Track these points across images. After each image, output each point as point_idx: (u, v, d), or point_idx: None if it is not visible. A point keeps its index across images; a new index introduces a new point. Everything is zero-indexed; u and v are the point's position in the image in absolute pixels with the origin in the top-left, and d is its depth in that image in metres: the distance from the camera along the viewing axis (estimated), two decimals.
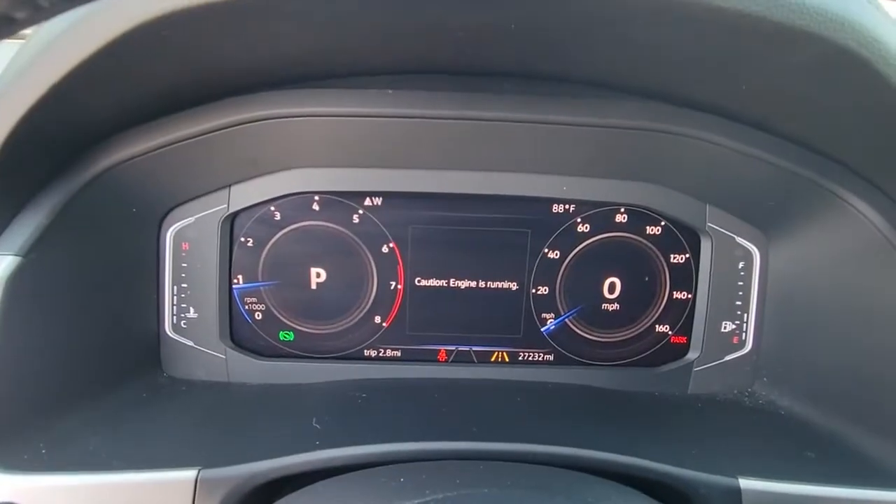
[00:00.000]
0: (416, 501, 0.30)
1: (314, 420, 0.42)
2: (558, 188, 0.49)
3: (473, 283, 0.51)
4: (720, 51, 0.34)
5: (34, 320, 0.38)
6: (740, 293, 0.51)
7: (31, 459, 0.36)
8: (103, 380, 0.44)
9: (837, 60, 0.31)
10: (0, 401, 0.36)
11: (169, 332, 0.49)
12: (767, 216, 0.49)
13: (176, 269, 0.48)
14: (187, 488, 0.37)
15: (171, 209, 0.47)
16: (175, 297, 0.49)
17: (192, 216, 0.48)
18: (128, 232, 0.46)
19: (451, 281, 0.51)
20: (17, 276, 0.37)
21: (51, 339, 0.40)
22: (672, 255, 0.52)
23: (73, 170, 0.40)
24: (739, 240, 0.51)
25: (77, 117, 0.38)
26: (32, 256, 0.38)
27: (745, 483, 0.38)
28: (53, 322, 0.40)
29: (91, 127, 0.40)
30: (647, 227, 0.51)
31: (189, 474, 0.36)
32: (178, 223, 0.48)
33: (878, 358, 0.43)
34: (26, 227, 0.38)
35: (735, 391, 0.53)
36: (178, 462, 0.37)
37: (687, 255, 0.52)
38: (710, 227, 0.51)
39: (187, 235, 0.48)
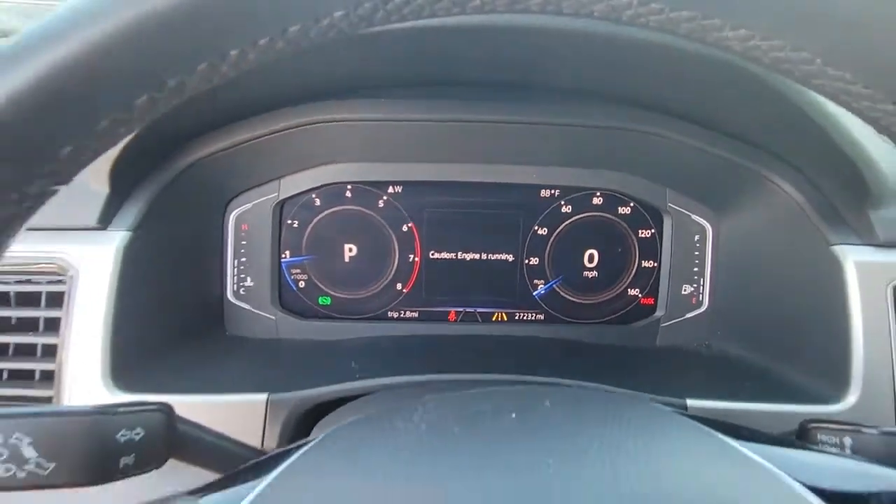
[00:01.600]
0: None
1: (352, 363, 0.53)
2: (542, 177, 0.60)
3: (477, 256, 0.62)
4: (682, 76, 0.45)
5: (139, 282, 0.50)
6: (696, 261, 0.62)
7: (145, 385, 0.47)
8: (183, 333, 0.55)
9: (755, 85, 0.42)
10: (120, 342, 0.48)
11: (231, 298, 0.60)
12: (716, 196, 0.59)
13: (237, 246, 0.60)
14: (260, 408, 0.48)
15: (234, 197, 0.58)
16: (235, 269, 0.60)
17: (250, 202, 0.59)
18: (201, 215, 0.57)
19: (459, 254, 0.62)
20: (129, 246, 0.48)
21: (149, 298, 0.51)
22: (640, 231, 0.62)
23: (165, 166, 0.51)
24: (695, 217, 0.61)
25: (171, 124, 0.49)
26: (138, 232, 0.49)
27: (692, 402, 0.48)
28: (150, 284, 0.51)
29: (180, 132, 0.51)
30: (619, 208, 0.62)
31: (261, 397, 0.48)
32: (239, 208, 0.59)
33: (800, 310, 0.54)
34: (134, 209, 0.49)
35: (695, 343, 0.63)
36: (252, 389, 0.48)
37: (652, 231, 0.62)
38: (670, 206, 0.61)
39: (246, 218, 0.59)
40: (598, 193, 0.61)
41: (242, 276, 0.60)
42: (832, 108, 0.44)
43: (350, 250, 0.61)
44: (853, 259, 0.48)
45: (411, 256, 0.61)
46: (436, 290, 0.62)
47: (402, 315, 0.62)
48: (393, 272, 0.61)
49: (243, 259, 0.60)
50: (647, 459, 0.25)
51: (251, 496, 0.25)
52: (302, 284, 0.61)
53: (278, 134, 0.54)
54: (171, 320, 0.53)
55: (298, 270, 0.61)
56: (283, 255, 0.61)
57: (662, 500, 0.22)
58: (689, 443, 0.28)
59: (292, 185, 0.59)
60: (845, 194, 0.49)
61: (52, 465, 0.32)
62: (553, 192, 0.60)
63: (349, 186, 0.60)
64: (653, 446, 0.27)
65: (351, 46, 0.45)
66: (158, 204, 0.50)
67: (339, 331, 0.61)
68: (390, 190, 0.60)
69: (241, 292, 0.60)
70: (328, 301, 0.62)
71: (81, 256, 0.46)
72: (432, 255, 0.61)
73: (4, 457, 0.32)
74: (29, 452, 0.32)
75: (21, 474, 0.32)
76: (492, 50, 0.46)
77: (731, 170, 0.55)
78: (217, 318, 0.60)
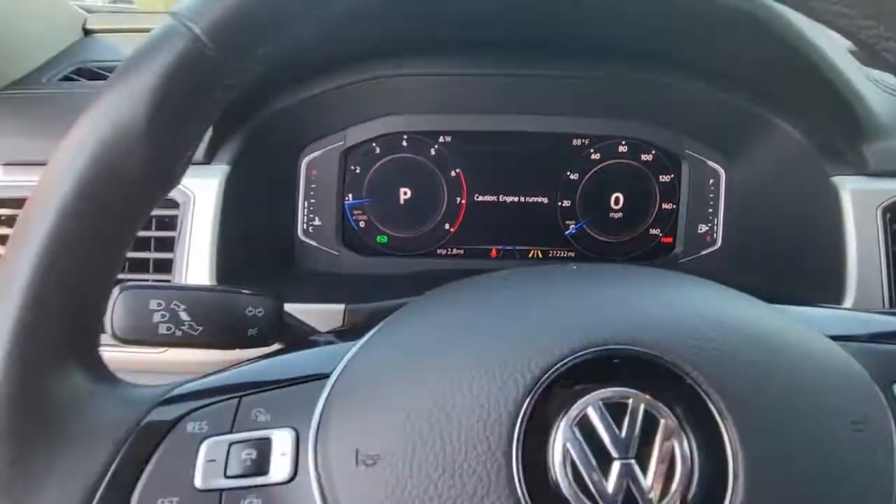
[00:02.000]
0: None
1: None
2: (573, 126, 0.68)
3: (516, 199, 0.70)
4: (690, 27, 0.53)
5: (234, 211, 0.58)
6: (711, 203, 0.70)
7: None
8: (264, 263, 0.64)
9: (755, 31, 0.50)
10: (221, 261, 0.56)
11: (300, 236, 0.69)
12: (728, 143, 0.67)
13: (307, 188, 0.68)
14: (338, 316, 0.56)
15: (307, 144, 0.67)
16: (305, 210, 0.69)
17: (320, 150, 0.67)
18: (279, 160, 0.66)
19: (500, 197, 0.70)
20: (228, 179, 0.57)
21: (241, 226, 0.59)
22: (660, 176, 0.70)
23: (253, 115, 0.60)
24: (710, 163, 0.69)
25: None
26: (234, 168, 0.57)
27: None
28: (242, 214, 0.60)
29: (266, 84, 0.59)
30: (642, 155, 0.69)
31: (339, 307, 0.56)
32: (311, 154, 0.68)
33: (802, 236, 0.61)
34: (231, 148, 0.57)
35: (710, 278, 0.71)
36: (330, 301, 0.57)
37: (671, 176, 0.70)
38: (687, 153, 0.69)
39: (316, 164, 0.68)
40: (624, 142, 0.69)
41: (311, 216, 0.69)
42: (827, 51, 0.52)
43: (405, 194, 0.69)
44: (849, 187, 0.56)
45: (458, 199, 0.70)
46: (480, 230, 0.70)
47: (449, 252, 0.71)
48: (442, 213, 0.70)
49: (312, 201, 0.68)
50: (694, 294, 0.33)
51: (371, 333, 0.34)
52: (362, 224, 0.70)
53: (345, 88, 0.63)
54: (255, 249, 0.62)
55: (359, 212, 0.70)
56: (347, 198, 0.69)
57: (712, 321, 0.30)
58: (730, 293, 0.35)
59: (356, 134, 0.67)
60: (841, 132, 0.56)
61: (200, 329, 0.41)
62: (583, 140, 0.68)
63: (405, 136, 0.68)
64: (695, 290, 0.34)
65: (415, 6, 0.54)
66: (248, 146, 0.59)
67: (394, 265, 0.70)
68: (441, 139, 0.68)
69: (310, 230, 0.69)
70: (385, 239, 0.70)
71: (191, 185, 0.55)
72: (477, 198, 0.70)
73: (166, 318, 0.40)
74: (184, 317, 0.40)
75: (178, 333, 0.40)
76: (530, 11, 0.54)
77: (741, 116, 0.62)
78: (289, 253, 0.69)
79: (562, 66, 0.61)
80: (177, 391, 0.31)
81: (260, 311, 0.44)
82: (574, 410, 0.27)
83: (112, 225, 0.29)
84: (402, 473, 0.27)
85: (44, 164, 0.55)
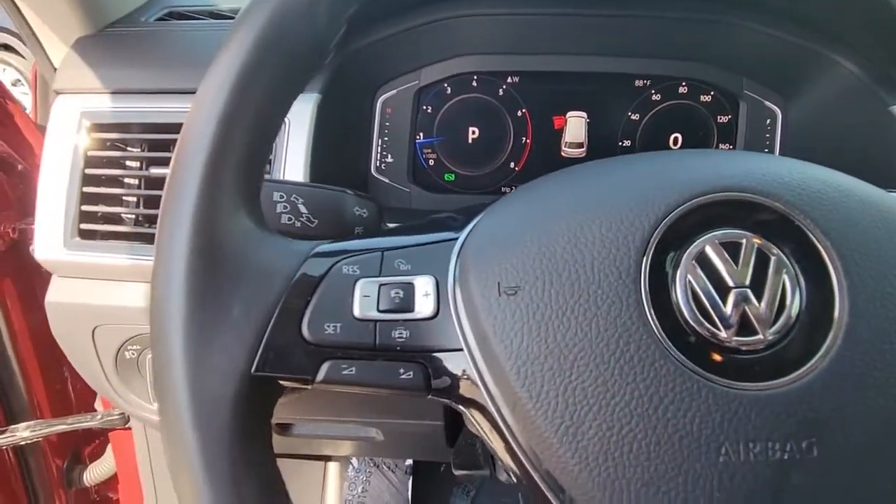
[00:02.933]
0: None
1: None
2: (635, 67, 0.71)
3: None
4: None
5: (322, 135, 0.62)
6: (768, 142, 0.72)
7: None
8: None
9: None
10: (311, 179, 0.61)
11: (374, 173, 0.73)
12: (786, 81, 0.70)
13: (381, 126, 0.72)
14: None
15: (383, 84, 0.71)
16: (379, 147, 0.73)
17: (395, 89, 0.71)
18: (357, 97, 0.70)
19: (564, 136, 0.73)
20: (320, 105, 0.61)
21: (325, 161, 0.63)
22: (719, 116, 0.73)
23: (338, 52, 0.64)
24: (767, 103, 0.72)
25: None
26: (324, 97, 0.62)
27: None
28: (327, 148, 0.64)
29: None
30: (701, 96, 0.72)
31: None
32: (386, 94, 0.72)
33: (860, 165, 0.63)
34: (321, 79, 0.62)
35: None
36: None
37: (729, 117, 0.73)
38: (745, 93, 0.72)
39: (390, 103, 0.72)
40: (684, 83, 0.71)
41: (384, 153, 0.72)
42: None
43: (473, 133, 0.73)
44: None
45: (523, 139, 0.73)
46: (543, 169, 0.73)
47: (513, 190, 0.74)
48: (508, 152, 0.73)
49: (386, 139, 0.72)
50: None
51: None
52: (431, 162, 0.74)
53: (420, 28, 0.66)
54: (335, 182, 0.66)
55: (429, 150, 0.73)
56: (418, 136, 0.73)
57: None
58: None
59: (429, 74, 0.71)
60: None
61: (316, 222, 0.45)
62: (645, 81, 0.71)
63: (475, 76, 0.71)
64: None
65: None
66: (332, 82, 0.63)
67: (460, 202, 0.74)
68: (508, 80, 0.72)
69: (383, 167, 0.73)
70: (452, 177, 0.74)
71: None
72: (541, 137, 0.73)
73: (287, 210, 0.44)
74: (303, 209, 0.44)
75: (297, 224, 0.45)
76: None
77: (800, 54, 0.65)
78: (362, 189, 0.73)
79: (631, 7, 0.65)
80: (325, 247, 0.35)
81: (365, 212, 0.48)
82: (694, 247, 0.30)
83: (279, 88, 0.33)
84: (541, 300, 0.30)
85: (149, 92, 0.61)
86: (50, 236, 0.59)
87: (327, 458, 1.50)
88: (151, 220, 0.60)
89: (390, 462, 1.59)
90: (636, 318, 0.29)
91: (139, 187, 0.60)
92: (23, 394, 1.03)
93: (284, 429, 0.84)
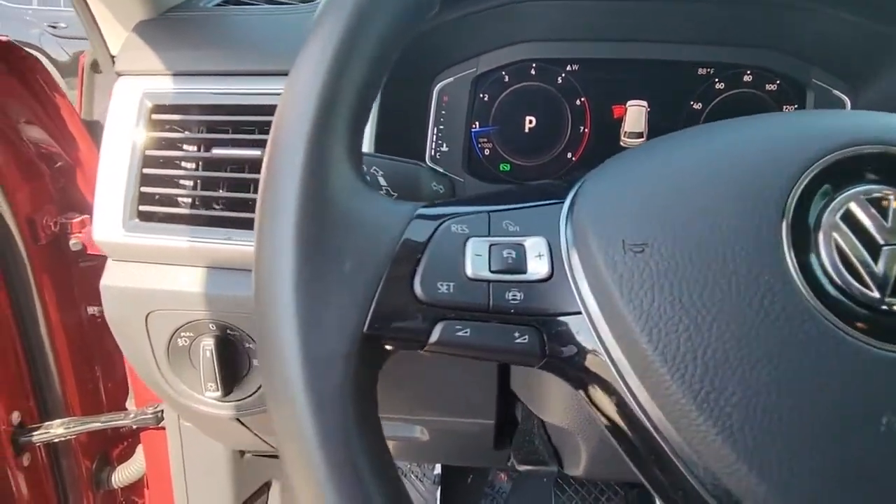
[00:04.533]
0: None
1: None
2: (699, 55, 0.70)
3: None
4: None
5: (381, 129, 0.61)
6: None
7: None
8: None
9: None
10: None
11: (428, 161, 0.72)
12: (856, 70, 0.68)
13: (437, 114, 0.71)
14: None
15: (440, 71, 0.70)
16: (434, 136, 0.71)
17: (451, 77, 0.70)
18: (414, 85, 0.69)
19: (623, 126, 0.72)
20: (382, 93, 0.60)
21: (384, 149, 0.62)
22: (784, 106, 0.71)
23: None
24: (835, 91, 0.70)
25: None
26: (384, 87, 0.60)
27: None
28: (386, 135, 0.62)
29: None
30: (766, 84, 0.70)
31: None
32: (443, 81, 0.70)
33: None
34: None
35: None
36: None
37: (796, 105, 0.71)
38: (814, 82, 0.70)
39: (447, 91, 0.71)
40: (749, 71, 0.70)
41: (439, 141, 0.71)
42: None
43: (530, 122, 0.72)
44: None
45: (582, 128, 0.71)
46: (601, 159, 0.71)
47: None
48: (565, 142, 0.72)
49: (441, 127, 0.71)
50: None
51: None
52: (487, 152, 0.72)
53: (479, 15, 0.65)
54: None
55: (485, 139, 0.72)
56: (474, 125, 0.72)
57: None
58: None
59: (487, 62, 0.70)
60: None
61: (395, 195, 0.44)
62: (708, 69, 0.70)
63: (534, 64, 0.70)
64: None
65: None
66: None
67: None
68: (568, 67, 0.70)
69: (437, 156, 0.72)
70: (508, 168, 0.73)
71: None
72: (600, 127, 0.71)
73: (368, 181, 0.43)
74: (382, 182, 0.43)
75: (381, 192, 0.43)
76: None
77: (873, 41, 0.63)
78: None
79: None
80: (428, 210, 0.33)
81: (441, 188, 0.46)
82: (837, 203, 0.28)
83: (385, 44, 0.32)
84: (672, 256, 0.28)
85: (211, 74, 0.60)
86: (108, 218, 0.58)
87: None
88: (209, 203, 0.59)
89: (418, 471, 1.55)
90: (779, 277, 0.27)
91: (198, 169, 0.59)
92: (58, 391, 1.02)
93: None
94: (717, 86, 0.70)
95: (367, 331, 0.28)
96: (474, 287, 0.30)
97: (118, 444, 1.24)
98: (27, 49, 0.88)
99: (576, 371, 0.31)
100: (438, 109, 0.71)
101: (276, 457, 1.11)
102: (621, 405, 0.29)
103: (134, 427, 1.11)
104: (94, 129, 1.05)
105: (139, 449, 1.17)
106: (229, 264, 0.59)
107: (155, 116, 0.59)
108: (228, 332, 0.61)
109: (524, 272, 0.30)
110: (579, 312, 0.30)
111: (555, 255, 0.31)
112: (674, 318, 0.27)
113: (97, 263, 1.09)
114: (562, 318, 0.30)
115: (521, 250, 0.31)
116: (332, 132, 0.29)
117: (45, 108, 0.90)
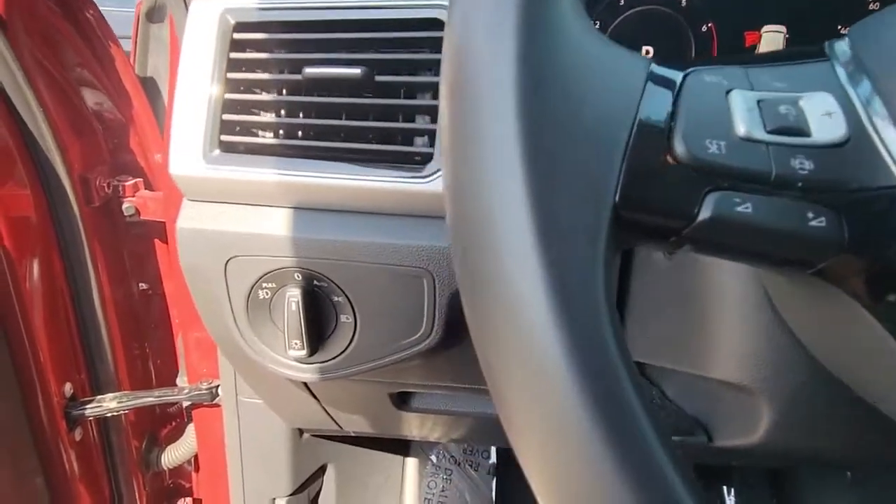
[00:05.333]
0: None
1: None
2: None
3: None
4: None
5: None
6: None
7: None
8: None
9: None
10: None
11: None
12: None
13: None
14: None
15: None
16: None
17: None
18: None
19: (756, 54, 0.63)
20: None
21: None
22: None
23: None
24: None
25: None
26: None
27: None
28: None
29: None
30: None
31: None
32: None
33: None
34: None
35: None
36: None
37: None
38: None
39: None
40: None
41: None
42: None
43: (647, 52, 0.63)
44: None
45: (707, 55, 0.63)
46: None
47: None
48: None
49: None
50: None
51: None
52: None
53: None
54: None
55: None
56: None
57: None
58: None
59: None
60: None
61: None
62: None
63: None
64: None
65: None
66: None
67: None
68: None
69: None
70: None
71: None
72: (728, 55, 0.63)
73: None
74: None
75: None
76: None
77: None
78: None
79: None
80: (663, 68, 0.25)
81: None
82: None
83: None
84: None
85: None
86: (187, 150, 0.51)
87: (405, 454, 1.41)
88: (296, 133, 0.52)
89: (472, 460, 1.49)
90: None
91: (286, 94, 0.52)
92: (110, 364, 0.96)
93: (403, 400, 0.75)
94: (873, 6, 0.61)
95: (619, 202, 0.20)
96: (750, 149, 0.22)
97: (166, 424, 1.19)
98: None
99: (878, 270, 0.22)
100: None
101: (334, 438, 1.05)
102: None
103: (186, 404, 1.06)
104: (147, 86, 0.99)
105: (189, 429, 1.12)
106: (321, 203, 0.52)
107: (237, 36, 0.52)
108: (315, 283, 0.54)
109: (810, 134, 0.22)
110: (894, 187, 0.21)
111: (848, 113, 0.23)
112: None
113: (147, 232, 1.03)
114: (871, 196, 0.22)
115: (799, 108, 0.23)
116: None
117: (100, 60, 0.85)
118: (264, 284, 0.54)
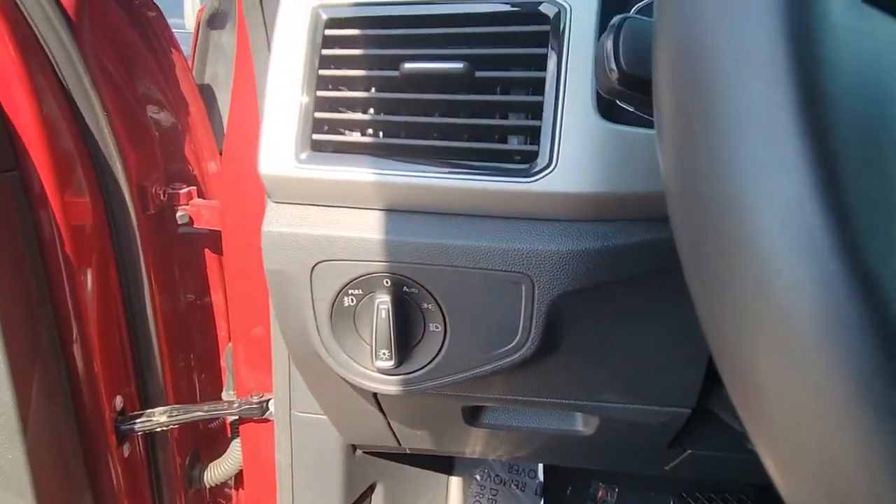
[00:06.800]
0: None
1: None
2: None
3: None
4: None
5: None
6: None
7: None
8: None
9: None
10: None
11: None
12: None
13: None
14: None
15: None
16: None
17: None
18: None
19: None
20: None
21: None
22: None
23: None
24: None
25: None
26: None
27: None
28: None
29: None
30: None
31: None
32: None
33: None
34: None
35: None
36: None
37: None
38: None
39: None
40: None
41: None
42: None
43: None
44: None
45: None
46: None
47: None
48: None
49: None
50: None
51: None
52: None
53: None
54: None
55: None
56: None
57: None
58: None
59: None
60: None
61: None
62: None
63: None
64: None
65: None
66: None
67: None
68: None
69: None
70: None
71: None
72: None
73: None
74: None
75: None
76: None
77: None
78: None
79: None
80: None
81: None
82: None
83: None
84: None
85: None
86: (278, 149, 0.49)
87: (450, 472, 1.37)
88: (389, 131, 0.49)
89: (518, 480, 1.44)
90: None
91: (380, 91, 0.50)
92: (159, 377, 0.94)
93: (474, 415, 0.71)
94: None
95: None
96: None
97: (209, 440, 1.17)
98: None
99: None
100: None
101: (386, 456, 1.01)
102: None
103: (232, 419, 1.03)
104: (204, 94, 0.98)
105: (233, 445, 1.09)
106: (414, 204, 0.50)
107: (330, 32, 0.50)
108: (405, 289, 0.51)
109: None
110: None
111: None
112: None
113: (194, 242, 1.02)
114: None
115: None
116: None
117: (161, 66, 0.84)
118: (350, 291, 0.52)
